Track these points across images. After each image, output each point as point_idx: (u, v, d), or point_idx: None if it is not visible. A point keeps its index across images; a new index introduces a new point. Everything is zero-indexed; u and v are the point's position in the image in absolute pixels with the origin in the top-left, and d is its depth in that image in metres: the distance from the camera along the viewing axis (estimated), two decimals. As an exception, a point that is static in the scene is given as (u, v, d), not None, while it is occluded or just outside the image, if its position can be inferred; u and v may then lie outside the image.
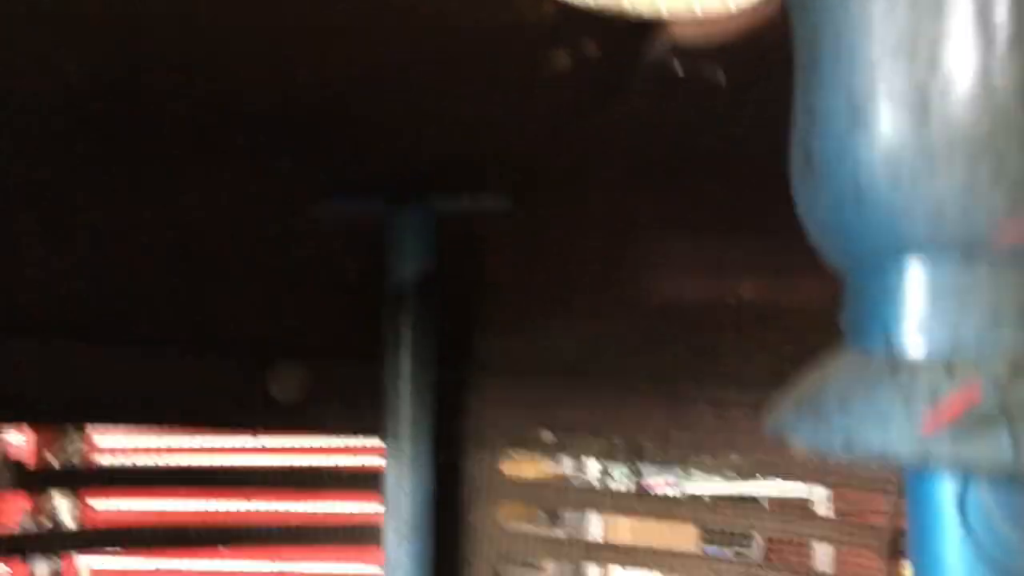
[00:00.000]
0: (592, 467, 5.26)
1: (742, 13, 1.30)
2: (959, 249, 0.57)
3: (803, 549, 4.92)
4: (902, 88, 0.56)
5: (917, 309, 0.58)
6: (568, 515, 5.38)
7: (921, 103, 0.56)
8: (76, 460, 4.55)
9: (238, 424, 2.40)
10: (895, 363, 0.59)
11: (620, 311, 2.52)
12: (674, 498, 2.69)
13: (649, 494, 2.62)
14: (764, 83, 1.58)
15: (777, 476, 2.39)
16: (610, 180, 2.14)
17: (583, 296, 2.52)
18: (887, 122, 0.57)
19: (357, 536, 2.43)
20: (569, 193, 2.18)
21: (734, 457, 2.42)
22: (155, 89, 1.57)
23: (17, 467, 2.07)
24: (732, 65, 1.48)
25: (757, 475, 2.45)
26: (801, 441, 0.61)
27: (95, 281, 2.13)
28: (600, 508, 2.48)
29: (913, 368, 0.58)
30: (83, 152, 1.78)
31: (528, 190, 2.16)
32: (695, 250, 2.41)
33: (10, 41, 1.36)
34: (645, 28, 1.39)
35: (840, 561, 4.13)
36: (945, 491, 0.58)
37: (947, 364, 0.56)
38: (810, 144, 0.63)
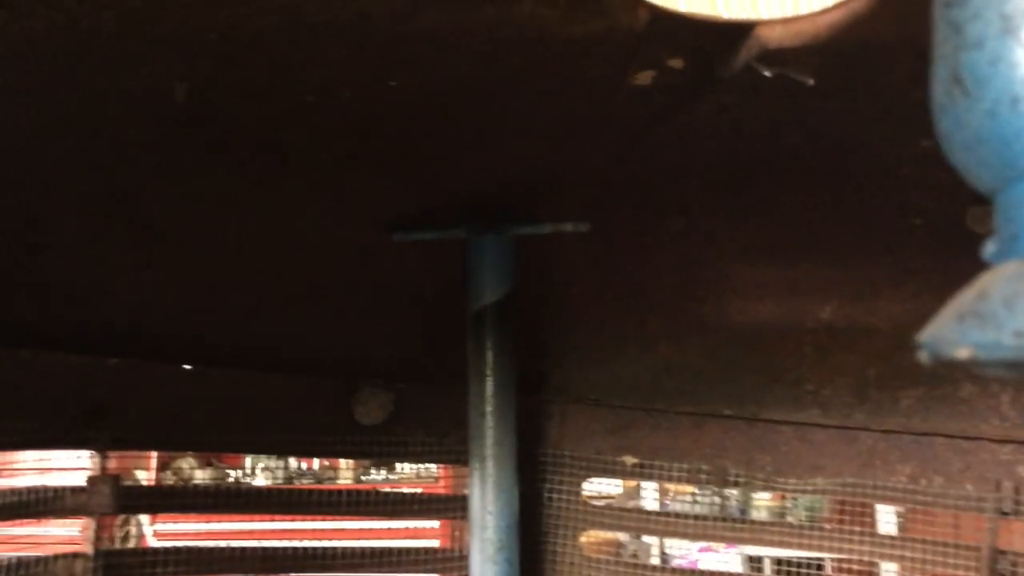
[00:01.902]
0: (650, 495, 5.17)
1: (832, 8, 1.32)
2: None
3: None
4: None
5: None
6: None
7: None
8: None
9: (322, 449, 2.43)
10: None
11: (697, 334, 2.51)
12: (755, 522, 2.64)
13: (731, 519, 2.58)
14: (854, 83, 1.60)
15: (867, 498, 2.34)
16: (687, 198, 2.14)
17: (659, 319, 2.51)
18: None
19: (440, 561, 2.43)
20: (645, 213, 2.19)
21: (819, 480, 2.39)
22: (251, 109, 1.63)
23: (116, 485, 2.10)
24: (821, 66, 1.49)
25: (845, 497, 2.40)
26: (966, 348, 0.60)
27: (184, 303, 2.19)
28: (682, 535, 2.45)
29: None
30: (181, 172, 1.84)
31: (605, 210, 2.17)
32: (773, 271, 2.40)
33: (131, 68, 1.42)
34: (734, 31, 1.41)
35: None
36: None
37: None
38: (959, 63, 0.64)
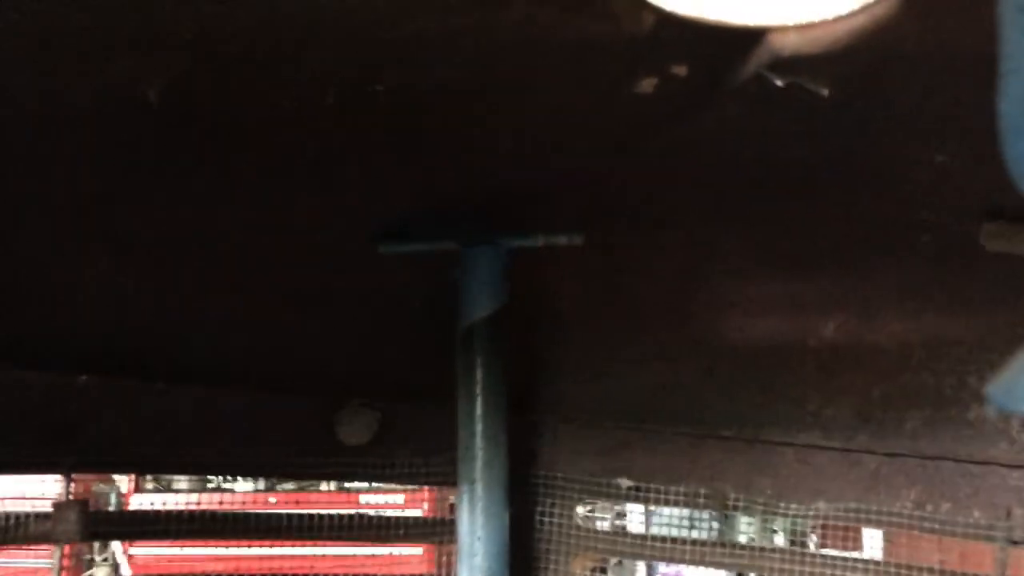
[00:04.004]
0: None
1: (853, 15, 1.23)
2: None
3: None
4: None
5: None
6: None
7: None
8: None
9: (305, 470, 2.34)
10: None
11: (694, 352, 2.42)
12: (756, 547, 2.55)
13: (731, 544, 2.50)
14: (869, 93, 1.52)
15: (870, 525, 2.26)
16: (686, 210, 2.06)
17: (655, 336, 2.43)
18: None
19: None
20: (643, 225, 2.10)
21: (821, 504, 2.30)
22: (229, 110, 1.54)
23: (83, 511, 2.00)
24: (835, 76, 1.40)
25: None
26: None
27: (160, 317, 2.08)
28: (679, 560, 2.37)
29: None
30: (156, 176, 1.74)
31: (601, 222, 2.09)
32: (775, 286, 2.31)
33: (101, 67, 1.33)
34: (745, 37, 1.33)
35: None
36: None
37: None
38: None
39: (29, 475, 2.21)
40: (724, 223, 2.08)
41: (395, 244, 2.09)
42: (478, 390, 2.17)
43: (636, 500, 2.54)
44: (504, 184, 1.97)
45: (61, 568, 1.96)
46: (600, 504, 3.61)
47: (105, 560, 4.45)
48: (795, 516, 2.38)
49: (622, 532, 2.75)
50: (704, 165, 1.83)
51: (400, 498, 4.82)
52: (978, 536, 2.08)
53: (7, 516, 1.98)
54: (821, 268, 2.20)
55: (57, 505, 2.01)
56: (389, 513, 2.44)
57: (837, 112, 1.47)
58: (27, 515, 2.01)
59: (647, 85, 1.52)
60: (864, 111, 1.50)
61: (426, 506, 4.36)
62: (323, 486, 5.68)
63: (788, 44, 1.35)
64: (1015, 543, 2.03)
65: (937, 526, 2.17)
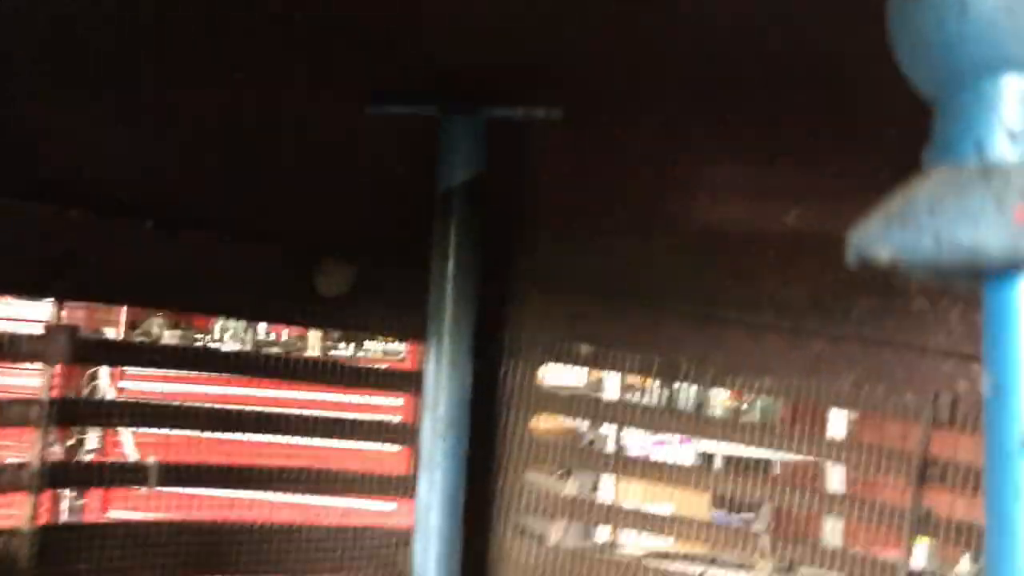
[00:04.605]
0: (613, 388, 5.28)
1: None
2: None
3: (812, 525, 4.89)
4: None
5: (1012, 115, 0.60)
6: (580, 478, 5.38)
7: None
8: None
9: (282, 317, 2.46)
10: (987, 168, 0.61)
11: (663, 232, 2.53)
12: (700, 416, 2.72)
13: (677, 412, 2.66)
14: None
15: (810, 397, 2.41)
16: (665, 95, 2.13)
17: (628, 215, 2.53)
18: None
19: (391, 433, 2.50)
20: (619, 110, 2.18)
21: (767, 380, 2.45)
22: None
23: (72, 335, 2.14)
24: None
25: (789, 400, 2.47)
26: (887, 249, 0.62)
27: (149, 161, 2.17)
28: (630, 423, 2.53)
29: (1005, 171, 0.60)
30: (148, 31, 1.81)
31: (581, 100, 2.16)
32: (741, 175, 2.41)
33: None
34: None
35: (850, 536, 4.08)
36: (1026, 290, 0.60)
37: (1041, 165, 0.58)
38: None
39: (22, 299, 2.32)
40: (695, 111, 2.15)
41: (380, 107, 2.17)
42: (452, 251, 2.28)
43: (594, 366, 2.68)
44: (486, 57, 2.04)
45: (50, 388, 2.09)
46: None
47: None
48: (741, 389, 2.53)
49: (580, 394, 2.90)
50: (682, 55, 1.90)
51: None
52: (907, 417, 2.23)
53: (1, 335, 2.11)
54: (790, 159, 2.29)
55: (49, 327, 2.14)
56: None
57: (814, 8, 1.54)
58: (20, 335, 2.15)
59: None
60: (841, 10, 1.57)
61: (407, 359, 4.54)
62: (308, 353, 5.85)
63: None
64: (938, 424, 2.19)
65: (872, 406, 2.33)
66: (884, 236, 0.66)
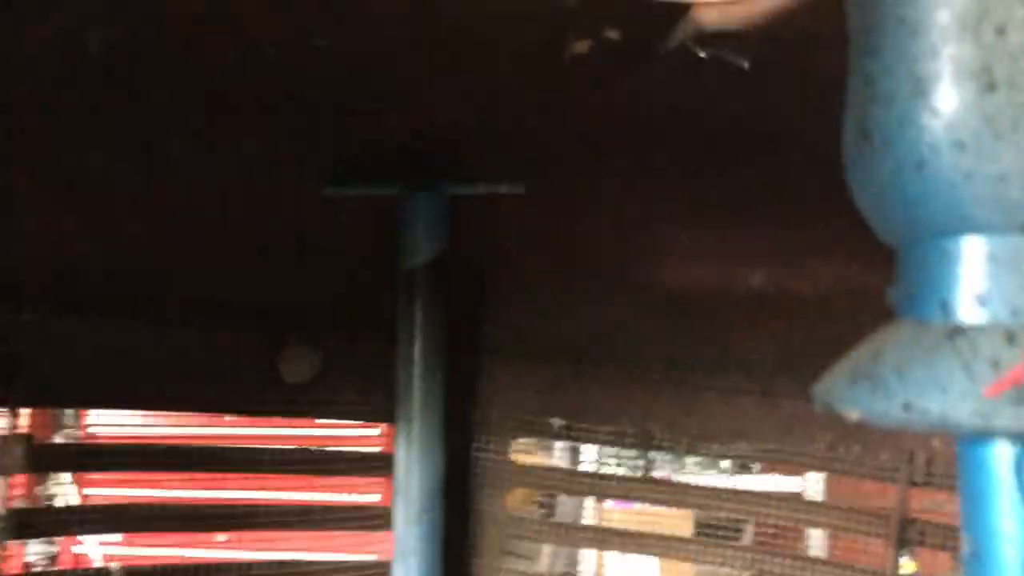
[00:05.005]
0: (589, 457, 5.23)
1: (767, -3, 1.29)
2: (1021, 216, 0.57)
3: (796, 542, 4.88)
4: (967, 60, 0.56)
5: (976, 277, 0.58)
6: (564, 503, 5.33)
7: (986, 74, 0.56)
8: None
9: (246, 407, 2.40)
10: (953, 330, 0.59)
11: (630, 297, 2.52)
12: (678, 484, 2.69)
13: (654, 480, 2.63)
14: (791, 67, 1.58)
15: (786, 461, 2.39)
16: (623, 165, 2.13)
17: (593, 282, 2.51)
18: (951, 92, 0.57)
19: (365, 520, 2.43)
20: (582, 178, 2.17)
21: (743, 445, 2.43)
22: (173, 61, 1.57)
23: (29, 445, 2.06)
24: (758, 50, 1.47)
25: (764, 463, 2.45)
26: (856, 411, 0.61)
27: (106, 252, 2.12)
28: (607, 495, 2.49)
29: (972, 335, 0.58)
30: (100, 120, 1.77)
31: (542, 171, 2.15)
32: (706, 237, 2.40)
33: (41, 17, 1.36)
34: (669, 10, 1.38)
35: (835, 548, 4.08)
36: (1001, 456, 0.58)
37: (1007, 331, 0.56)
38: (868, 116, 0.62)
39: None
40: (658, 175, 2.15)
41: (339, 188, 2.14)
42: (417, 333, 2.24)
43: (567, 438, 2.64)
44: (445, 136, 2.03)
45: (8, 499, 2.01)
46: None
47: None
48: (716, 456, 2.50)
49: (553, 468, 2.87)
50: (640, 122, 1.90)
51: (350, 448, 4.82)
52: (883, 477, 2.22)
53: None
54: (751, 220, 2.29)
55: (3, 438, 2.06)
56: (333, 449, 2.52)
57: (764, 80, 1.54)
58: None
59: (582, 46, 1.58)
60: (788, 82, 1.57)
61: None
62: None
63: (710, 20, 1.41)
64: (915, 484, 2.17)
65: (848, 467, 2.31)
66: (852, 396, 0.64)
